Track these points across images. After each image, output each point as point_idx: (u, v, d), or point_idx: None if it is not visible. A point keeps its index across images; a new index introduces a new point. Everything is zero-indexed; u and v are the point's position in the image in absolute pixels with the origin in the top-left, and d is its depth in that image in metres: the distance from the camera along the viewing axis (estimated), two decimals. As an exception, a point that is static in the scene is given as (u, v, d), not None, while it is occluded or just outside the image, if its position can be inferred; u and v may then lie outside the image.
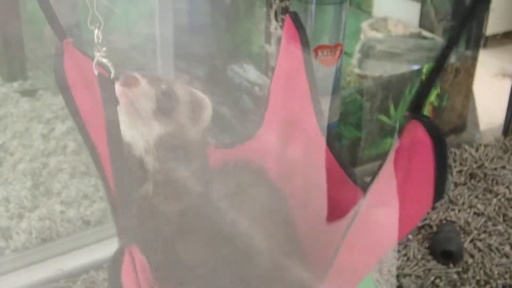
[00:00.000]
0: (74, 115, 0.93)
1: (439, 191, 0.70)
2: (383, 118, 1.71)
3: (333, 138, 1.02)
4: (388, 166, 0.73)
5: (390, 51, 2.03)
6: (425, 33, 2.17)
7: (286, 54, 1.03)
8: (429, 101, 1.77)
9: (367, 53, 2.03)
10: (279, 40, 1.31)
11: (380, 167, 0.74)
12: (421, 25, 2.29)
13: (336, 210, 1.03)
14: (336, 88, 1.26)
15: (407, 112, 0.71)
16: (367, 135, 1.69)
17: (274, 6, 1.27)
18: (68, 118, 1.73)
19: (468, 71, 1.81)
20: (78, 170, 1.56)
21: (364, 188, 1.02)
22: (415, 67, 1.81)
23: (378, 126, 1.71)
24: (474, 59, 1.81)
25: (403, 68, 1.89)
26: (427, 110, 1.77)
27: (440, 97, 1.79)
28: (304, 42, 0.98)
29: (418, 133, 0.71)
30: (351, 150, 1.66)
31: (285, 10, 1.26)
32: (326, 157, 1.00)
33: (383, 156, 1.84)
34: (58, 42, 0.90)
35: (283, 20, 1.28)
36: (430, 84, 0.71)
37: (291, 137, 1.03)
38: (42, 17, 1.92)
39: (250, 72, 1.58)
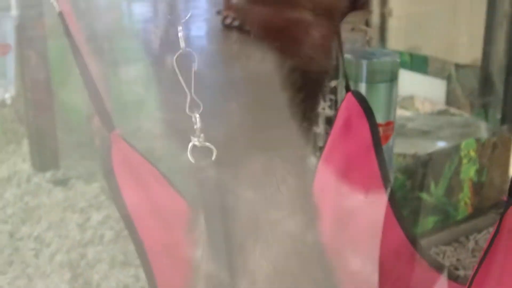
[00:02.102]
0: (120, 208, 0.90)
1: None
2: (424, 196, 1.67)
3: (401, 213, 0.99)
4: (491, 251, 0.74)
5: (421, 129, 2.02)
6: (452, 110, 2.17)
7: (346, 134, 1.02)
8: (468, 177, 1.74)
9: (398, 131, 2.02)
10: (327, 120, 1.30)
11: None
12: (448, 102, 2.29)
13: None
14: (389, 166, 1.23)
15: (505, 197, 0.75)
16: (409, 214, 1.65)
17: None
18: (104, 207, 1.71)
19: (505, 145, 1.79)
20: (117, 260, 1.51)
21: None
22: (452, 143, 1.79)
23: (419, 204, 1.67)
24: (511, 132, 1.79)
25: (437, 145, 1.87)
26: (467, 186, 1.74)
27: (479, 172, 1.76)
28: (372, 121, 0.96)
29: None
30: (395, 229, 1.62)
31: (333, 90, 1.25)
32: (396, 234, 0.97)
33: (425, 235, 1.78)
34: (106, 134, 0.88)
35: (331, 100, 1.27)
36: None
37: (353, 217, 1.01)
38: (75, 106, 1.93)
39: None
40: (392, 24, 2.48)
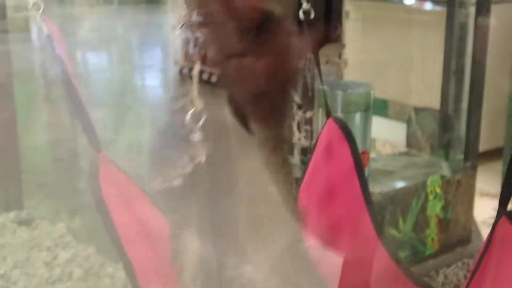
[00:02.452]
0: (109, 230, 0.90)
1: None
2: (393, 231, 1.70)
3: (385, 235, 1.01)
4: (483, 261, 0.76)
5: (385, 169, 2.06)
6: (413, 151, 2.23)
7: (327, 159, 1.04)
8: (435, 213, 1.78)
9: (363, 171, 2.06)
10: (302, 151, 1.32)
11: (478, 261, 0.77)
12: (408, 144, 2.35)
13: None
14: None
15: (496, 209, 0.79)
16: (379, 250, 1.67)
17: (297, 117, 1.28)
18: (71, 246, 1.67)
19: (469, 182, 1.84)
20: (87, 298, 1.48)
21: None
22: (418, 181, 1.83)
23: (388, 240, 1.69)
24: (474, 169, 1.85)
25: (402, 184, 1.91)
26: (433, 222, 1.78)
27: (444, 209, 1.80)
28: (353, 145, 0.98)
29: (507, 227, 0.78)
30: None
31: (308, 121, 1.28)
32: (382, 257, 0.98)
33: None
34: (94, 156, 0.89)
35: (306, 131, 1.29)
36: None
37: (340, 243, 1.01)
38: (39, 148, 1.91)
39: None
40: (349, 71, 2.55)
